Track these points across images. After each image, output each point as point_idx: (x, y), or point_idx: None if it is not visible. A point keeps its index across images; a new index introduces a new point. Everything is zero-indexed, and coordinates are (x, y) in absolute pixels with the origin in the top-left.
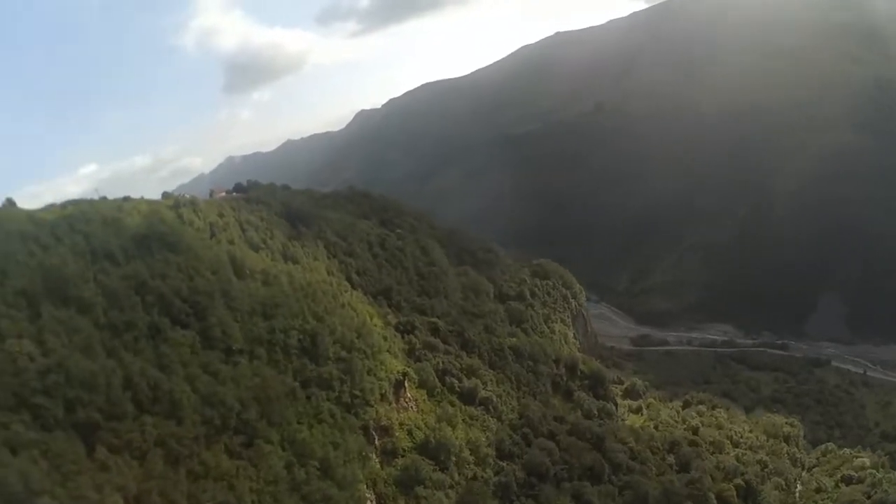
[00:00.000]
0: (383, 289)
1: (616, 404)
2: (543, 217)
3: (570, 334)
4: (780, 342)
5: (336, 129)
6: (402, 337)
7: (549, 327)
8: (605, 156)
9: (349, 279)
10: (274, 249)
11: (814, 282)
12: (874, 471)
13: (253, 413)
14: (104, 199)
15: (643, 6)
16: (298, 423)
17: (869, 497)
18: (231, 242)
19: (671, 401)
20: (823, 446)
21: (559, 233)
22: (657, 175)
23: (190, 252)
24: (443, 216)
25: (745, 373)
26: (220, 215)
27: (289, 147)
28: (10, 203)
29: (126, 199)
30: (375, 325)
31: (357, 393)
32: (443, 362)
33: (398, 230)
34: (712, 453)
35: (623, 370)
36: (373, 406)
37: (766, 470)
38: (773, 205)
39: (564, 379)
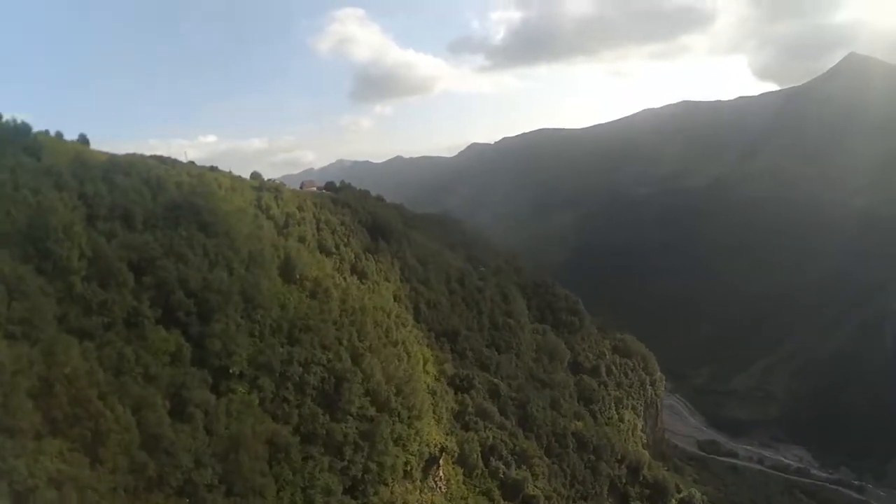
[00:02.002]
0: (450, 330)
1: None
2: (637, 285)
3: (640, 426)
4: (857, 482)
5: (447, 155)
6: (456, 394)
7: (618, 413)
8: (715, 235)
9: (416, 309)
10: (344, 257)
11: None
12: None
13: (209, 475)
14: (191, 163)
15: (774, 87)
16: (278, 494)
17: None
18: (301, 239)
19: None
20: None
21: (648, 305)
22: (766, 267)
23: (224, 236)
24: (536, 262)
25: None
26: (300, 208)
27: (398, 163)
28: (82, 138)
29: (213, 168)
30: (427, 373)
31: (373, 466)
32: (493, 437)
33: (482, 268)
34: None
35: (683, 475)
36: (388, 485)
37: None
38: (884, 328)
39: (624, 482)
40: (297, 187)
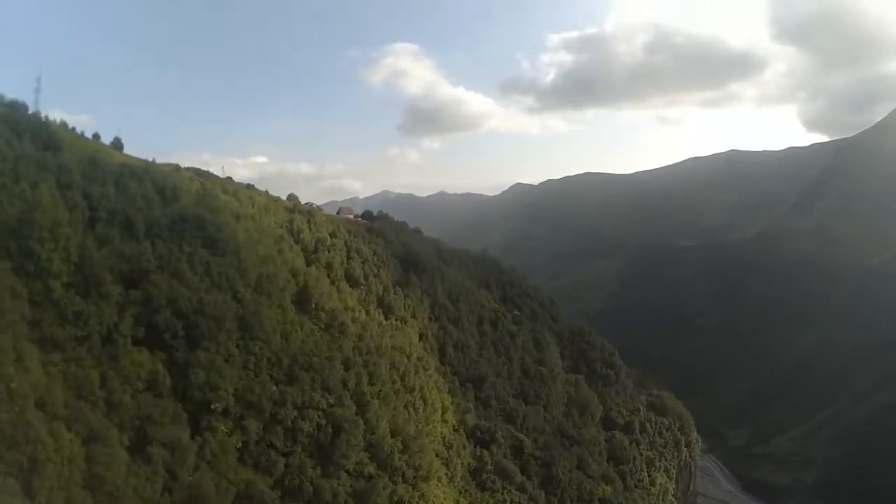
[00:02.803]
0: (477, 375)
1: None
2: (678, 339)
3: (671, 490)
4: None
5: (490, 193)
6: (475, 449)
7: (650, 476)
8: (758, 291)
9: (442, 350)
10: (372, 289)
11: None
12: None
13: None
14: (229, 178)
15: (824, 139)
16: None
17: None
18: (328, 266)
19: None
20: None
21: (687, 361)
22: (810, 327)
23: (233, 255)
24: (573, 308)
25: None
26: (332, 235)
27: (442, 198)
28: (116, 141)
29: (249, 186)
30: (445, 422)
31: None
32: (511, 501)
33: (516, 312)
34: None
35: None
36: None
37: None
38: None
39: None
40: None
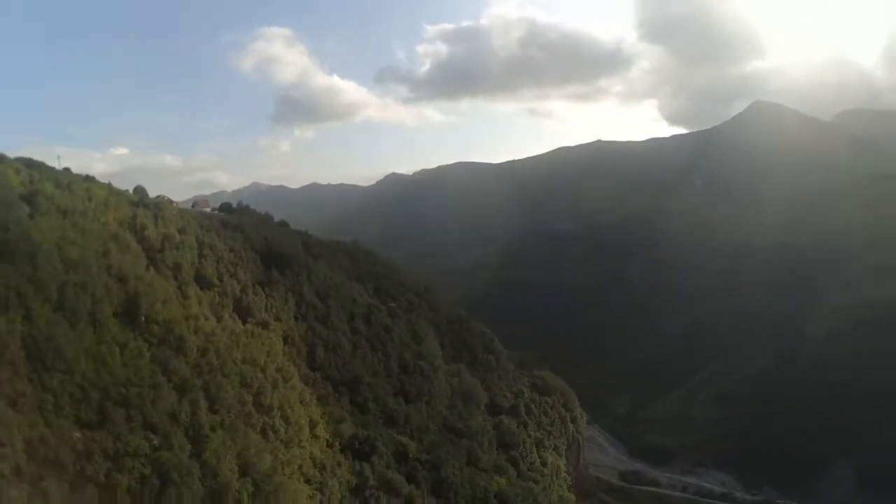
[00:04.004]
0: (351, 378)
1: None
2: (560, 320)
3: (563, 467)
4: (781, 502)
5: (364, 184)
6: (353, 463)
7: (540, 456)
8: (638, 268)
9: (311, 354)
10: (227, 291)
11: (833, 438)
12: None
13: None
14: (67, 169)
15: (684, 131)
16: None
17: None
18: (176, 267)
19: None
20: None
21: (568, 340)
22: (683, 299)
23: (27, 262)
24: (453, 297)
25: None
26: (182, 231)
27: (314, 189)
28: None
29: (88, 178)
30: (316, 439)
31: None
32: None
33: (391, 304)
34: None
35: None
36: None
37: None
38: (799, 353)
39: None
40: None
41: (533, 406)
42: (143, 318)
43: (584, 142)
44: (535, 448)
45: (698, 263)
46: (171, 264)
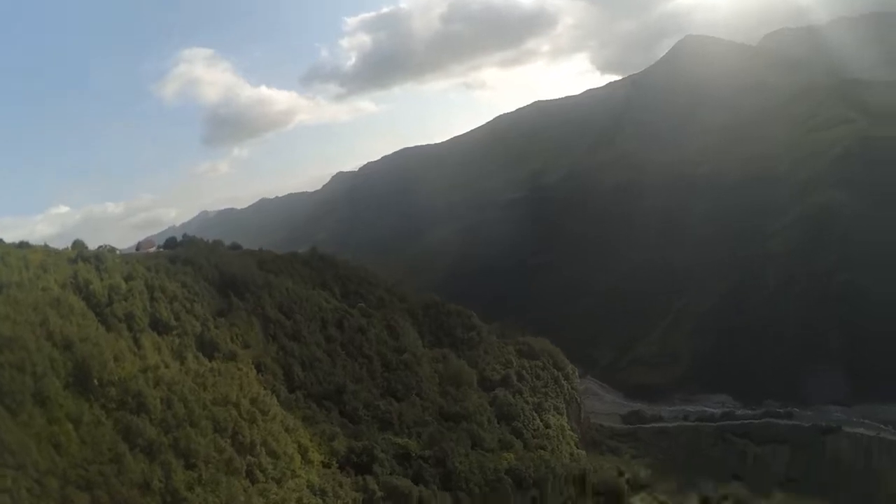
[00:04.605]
0: (335, 389)
1: None
2: (523, 286)
3: (566, 425)
4: (783, 410)
5: (312, 189)
6: (355, 478)
7: (543, 420)
8: (585, 220)
9: (288, 374)
10: (186, 330)
11: (810, 342)
12: None
13: None
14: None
15: (617, 77)
16: None
17: None
18: (128, 318)
19: (682, 493)
20: None
21: (539, 303)
22: (641, 244)
23: None
24: (421, 284)
25: (751, 448)
26: (128, 278)
27: (263, 205)
28: None
29: (22, 244)
30: (311, 463)
31: None
32: None
33: (361, 304)
34: None
35: (620, 456)
36: None
37: None
38: (760, 271)
39: (574, 498)
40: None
41: (524, 372)
42: (96, 383)
43: (521, 105)
44: (535, 414)
45: (642, 206)
46: (122, 316)
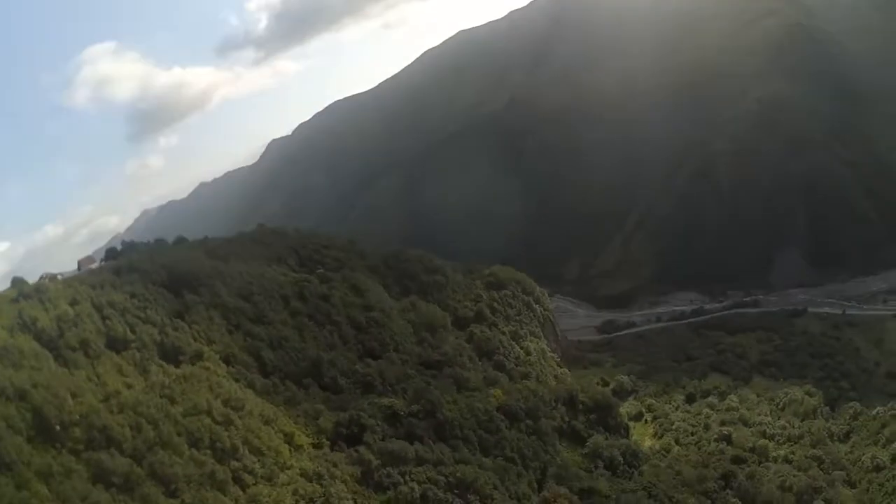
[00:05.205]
0: (310, 364)
1: (628, 429)
2: (477, 220)
3: (546, 348)
4: (750, 299)
5: (250, 163)
6: (349, 452)
7: (522, 348)
8: (532, 149)
9: (260, 360)
10: (145, 342)
11: (766, 232)
12: None
13: None
14: None
15: None
16: None
17: None
18: (83, 345)
19: (667, 393)
20: (851, 408)
21: (495, 234)
22: (590, 163)
23: None
24: (377, 235)
25: (726, 339)
26: (74, 303)
27: (203, 190)
28: None
29: None
30: (300, 449)
31: None
32: (417, 482)
33: (319, 270)
34: (760, 464)
35: (602, 366)
36: None
37: (823, 466)
38: (710, 170)
39: (567, 419)
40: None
41: (495, 304)
42: (58, 428)
43: (446, 38)
44: (513, 343)
45: (588, 124)
46: (76, 344)
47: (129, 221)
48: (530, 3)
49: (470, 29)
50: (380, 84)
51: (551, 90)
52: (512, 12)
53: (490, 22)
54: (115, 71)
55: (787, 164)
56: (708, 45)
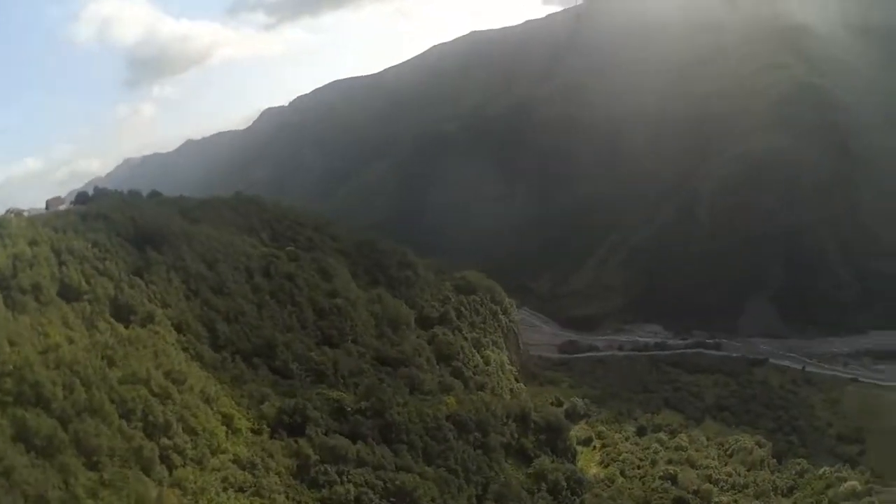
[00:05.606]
0: (264, 343)
1: (575, 454)
2: (462, 219)
3: (505, 359)
4: (713, 341)
5: (241, 127)
6: (289, 442)
7: (483, 357)
8: (523, 158)
9: (212, 332)
10: (98, 295)
11: (740, 278)
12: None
13: None
14: None
15: (557, 9)
16: None
17: None
18: (35, 289)
19: (619, 422)
20: (798, 464)
21: (476, 237)
22: (580, 179)
23: None
24: (357, 221)
25: (683, 377)
26: (33, 243)
27: (190, 147)
28: None
29: None
30: (238, 433)
31: None
32: (353, 485)
33: (290, 247)
34: None
35: (558, 385)
36: None
37: None
38: (696, 208)
39: (517, 437)
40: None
41: (462, 308)
42: None
43: (458, 35)
44: (474, 350)
45: (584, 140)
46: (28, 287)
47: (110, 167)
48: (547, 15)
49: (483, 31)
50: (384, 70)
51: (555, 103)
52: (528, 21)
53: (504, 28)
54: (121, 13)
55: (772, 215)
56: (714, 83)
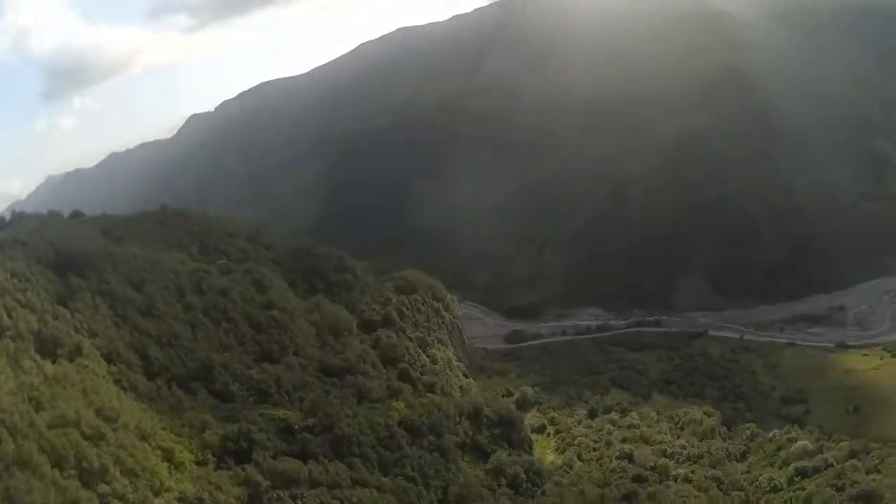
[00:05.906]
0: (200, 366)
1: (531, 445)
2: (397, 217)
3: (452, 356)
4: (652, 319)
5: (167, 136)
6: (235, 470)
7: (429, 356)
8: (456, 152)
9: (145, 357)
10: (20, 330)
11: (674, 255)
12: (825, 456)
13: None
14: None
15: (485, 3)
16: None
17: (839, 490)
18: None
19: (570, 407)
20: (747, 429)
21: (415, 233)
22: (515, 169)
23: None
24: (290, 227)
25: (627, 356)
26: None
27: (114, 160)
28: None
29: None
30: (181, 468)
31: None
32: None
33: (221, 260)
34: (661, 483)
35: (506, 376)
36: None
37: (722, 486)
38: (630, 187)
39: (471, 434)
40: None
41: (404, 308)
42: None
43: (385, 32)
44: (420, 350)
45: (517, 130)
46: None
47: (31, 187)
48: (474, 10)
49: (411, 27)
50: (311, 70)
51: (484, 95)
52: (455, 17)
53: (431, 23)
54: (37, 22)
55: (699, 191)
56: (639, 68)
